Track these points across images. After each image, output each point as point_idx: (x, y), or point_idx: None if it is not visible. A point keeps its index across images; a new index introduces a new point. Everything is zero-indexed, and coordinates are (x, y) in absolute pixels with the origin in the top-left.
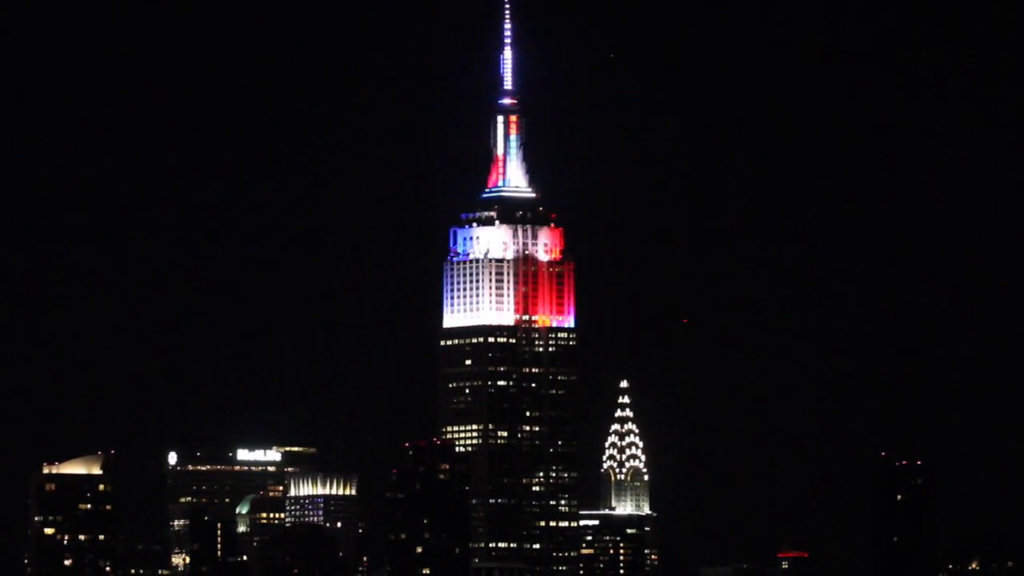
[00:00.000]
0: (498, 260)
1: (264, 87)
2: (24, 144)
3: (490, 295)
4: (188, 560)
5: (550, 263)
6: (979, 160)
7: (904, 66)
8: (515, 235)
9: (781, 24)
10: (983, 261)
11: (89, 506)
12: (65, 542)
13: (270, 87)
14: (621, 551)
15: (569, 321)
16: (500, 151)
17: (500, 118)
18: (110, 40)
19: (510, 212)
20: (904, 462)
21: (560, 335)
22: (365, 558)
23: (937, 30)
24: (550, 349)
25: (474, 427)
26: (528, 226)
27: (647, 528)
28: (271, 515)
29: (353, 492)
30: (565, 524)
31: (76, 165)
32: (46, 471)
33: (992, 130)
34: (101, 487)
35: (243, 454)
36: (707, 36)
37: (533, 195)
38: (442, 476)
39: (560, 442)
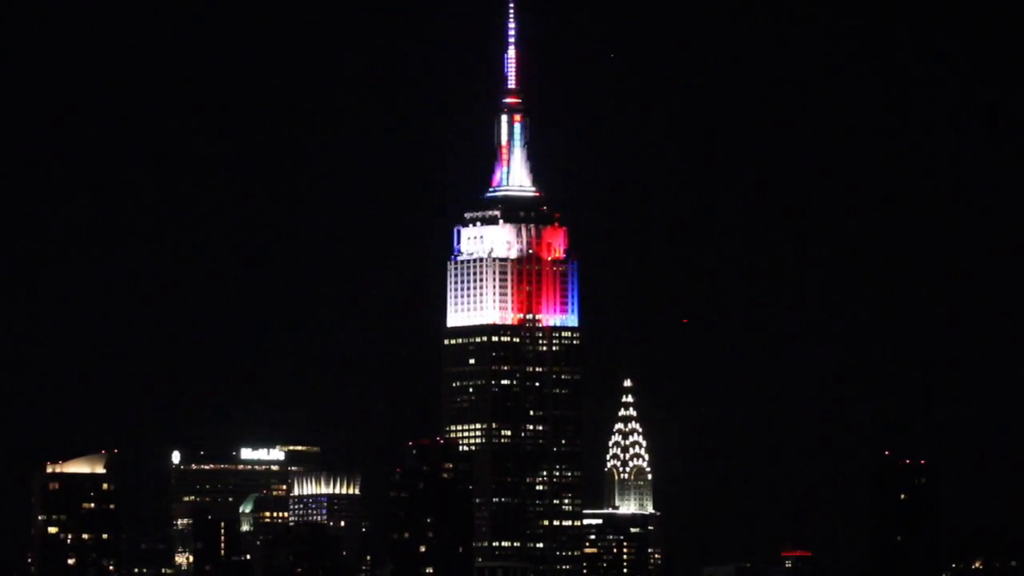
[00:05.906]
0: (502, 259)
1: (267, 86)
2: (24, 144)
3: (494, 294)
4: (191, 559)
5: (554, 262)
6: (979, 160)
7: (904, 65)
8: (519, 234)
9: (782, 23)
10: (983, 261)
11: (92, 505)
12: (68, 541)
13: (272, 86)
14: (624, 550)
15: (573, 320)
16: (504, 150)
17: (504, 117)
18: (110, 41)
19: (514, 211)
20: (907, 461)
21: (564, 334)
22: (368, 557)
23: (939, 27)
24: (554, 348)
25: (478, 426)
26: (532, 225)
27: (650, 527)
28: (275, 514)
29: (356, 491)
30: (568, 523)
31: (77, 165)
32: (50, 470)
33: (992, 129)
34: (104, 486)
35: (247, 453)
36: (708, 36)
37: (537, 194)
38: (446, 475)
39: (563, 441)
